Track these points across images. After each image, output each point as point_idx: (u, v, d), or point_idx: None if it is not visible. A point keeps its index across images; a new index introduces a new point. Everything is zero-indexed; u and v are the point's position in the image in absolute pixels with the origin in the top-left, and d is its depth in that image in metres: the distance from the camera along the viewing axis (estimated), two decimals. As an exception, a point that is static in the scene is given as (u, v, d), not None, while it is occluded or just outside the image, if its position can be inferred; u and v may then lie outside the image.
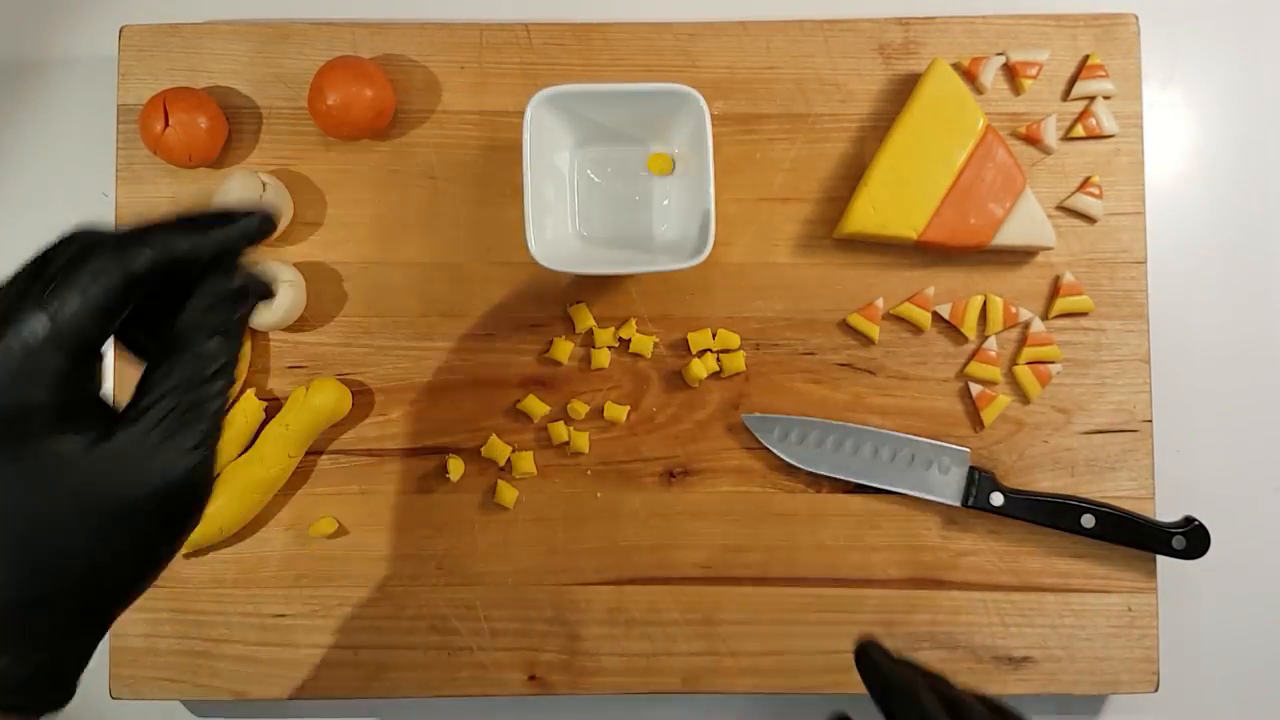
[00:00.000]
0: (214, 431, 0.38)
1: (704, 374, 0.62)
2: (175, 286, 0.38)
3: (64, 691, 0.37)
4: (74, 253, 0.36)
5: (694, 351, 0.63)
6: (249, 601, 0.63)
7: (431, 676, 0.62)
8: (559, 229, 0.61)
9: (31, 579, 0.35)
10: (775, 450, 0.62)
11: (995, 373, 0.63)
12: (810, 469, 0.62)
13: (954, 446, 0.62)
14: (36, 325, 0.34)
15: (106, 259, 0.36)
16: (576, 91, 0.58)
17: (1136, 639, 0.62)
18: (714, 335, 0.63)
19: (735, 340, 0.63)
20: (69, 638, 0.37)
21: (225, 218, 0.38)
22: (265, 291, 0.39)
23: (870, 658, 0.45)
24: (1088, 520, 0.60)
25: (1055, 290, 0.63)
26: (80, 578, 0.36)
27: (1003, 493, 0.61)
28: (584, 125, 0.61)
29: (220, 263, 0.38)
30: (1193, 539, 0.60)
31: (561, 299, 0.63)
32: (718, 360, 0.62)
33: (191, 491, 0.37)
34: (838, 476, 0.62)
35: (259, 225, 0.39)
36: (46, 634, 0.36)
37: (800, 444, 0.62)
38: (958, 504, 0.61)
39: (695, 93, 0.57)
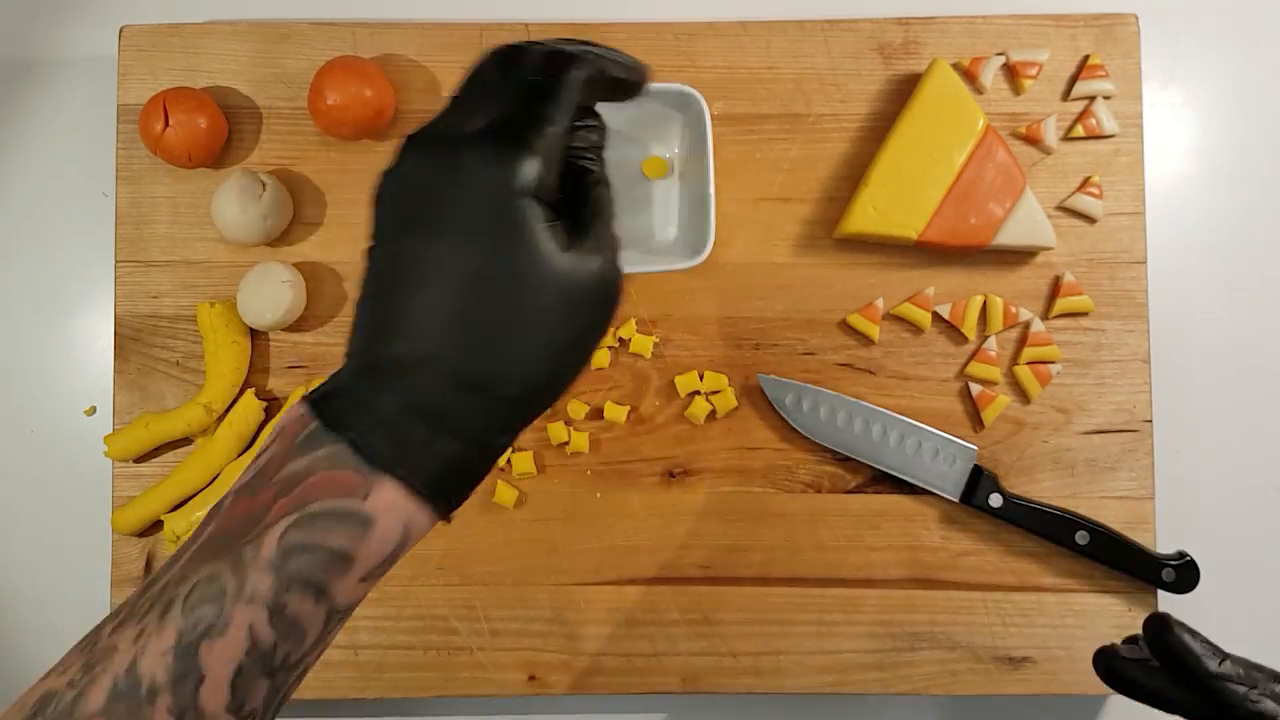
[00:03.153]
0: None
1: (704, 413, 0.62)
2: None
3: (464, 493, 0.40)
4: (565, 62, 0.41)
5: (682, 395, 0.63)
6: (249, 601, 0.63)
7: (431, 676, 0.62)
8: (559, 229, 0.61)
9: (509, 346, 0.39)
10: (785, 416, 0.62)
11: (995, 373, 0.63)
12: (815, 439, 0.62)
13: (963, 442, 0.62)
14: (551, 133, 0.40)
15: (580, 71, 0.41)
16: None
17: (1136, 639, 0.62)
18: (701, 377, 0.63)
19: (723, 380, 0.63)
20: (499, 428, 0.40)
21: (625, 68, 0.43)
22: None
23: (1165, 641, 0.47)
24: (1082, 537, 0.60)
25: (1055, 290, 0.63)
26: (546, 351, 0.39)
27: (1002, 495, 0.61)
28: (584, 125, 0.61)
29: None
30: (1182, 573, 0.61)
31: (561, 299, 0.63)
32: (709, 400, 0.62)
33: (617, 297, 0.42)
34: (839, 451, 0.62)
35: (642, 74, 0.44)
36: (482, 420, 0.39)
37: (811, 413, 0.62)
38: (955, 499, 0.61)
39: (696, 93, 0.57)
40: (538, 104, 0.40)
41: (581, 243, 0.40)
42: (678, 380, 0.63)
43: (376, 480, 0.38)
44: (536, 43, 0.42)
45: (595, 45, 0.43)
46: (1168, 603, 0.62)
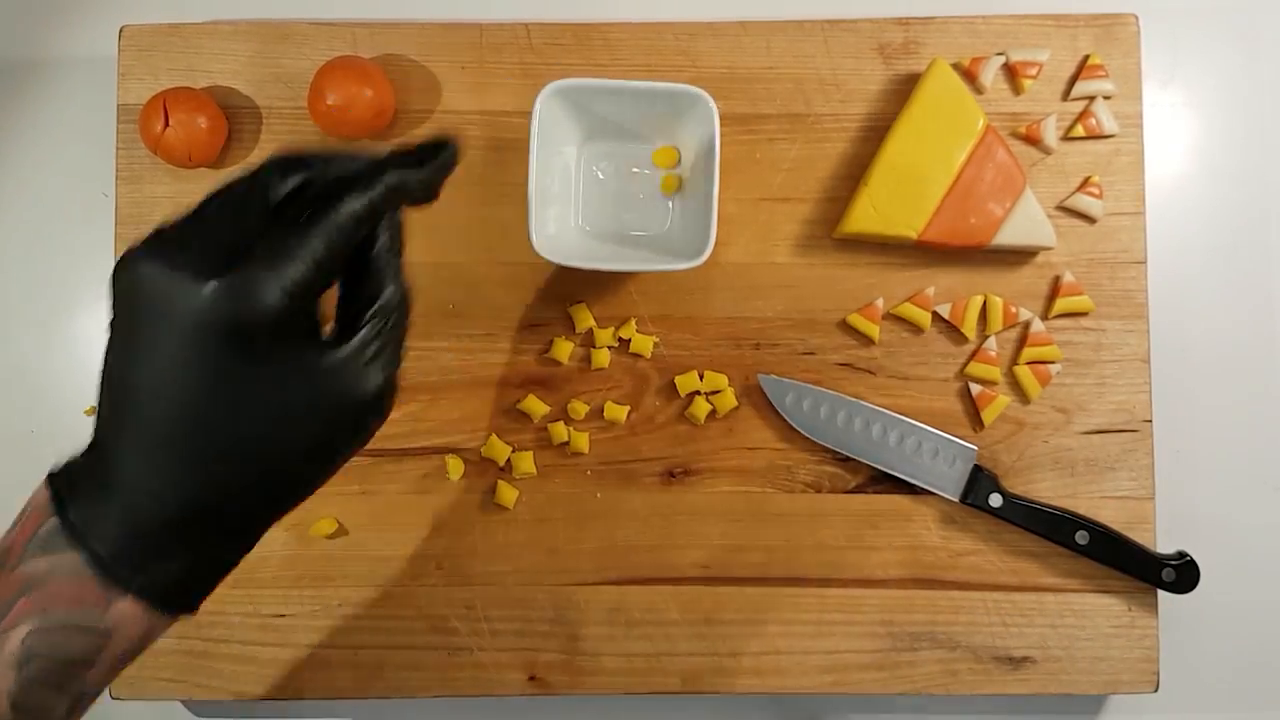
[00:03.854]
0: (401, 356, 0.42)
1: (704, 413, 0.62)
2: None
3: (204, 595, 0.41)
4: (328, 186, 0.40)
5: (682, 395, 0.63)
6: (249, 601, 0.63)
7: (431, 676, 0.62)
8: (561, 222, 0.61)
9: (236, 472, 0.39)
10: (785, 416, 0.62)
11: (995, 373, 0.63)
12: (815, 439, 0.62)
13: (963, 442, 0.62)
14: (302, 255, 0.38)
15: (356, 200, 0.40)
16: (588, 86, 0.58)
17: (1136, 639, 0.62)
18: (701, 377, 0.63)
19: (723, 380, 0.63)
20: (237, 539, 0.41)
21: (433, 148, 0.42)
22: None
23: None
24: (1082, 537, 0.60)
25: (1055, 290, 0.63)
26: (279, 474, 0.40)
27: (1002, 495, 0.61)
28: (592, 120, 0.61)
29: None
30: (1183, 573, 0.61)
31: (562, 299, 0.63)
32: (709, 400, 0.62)
33: (382, 405, 0.42)
34: (839, 451, 0.62)
35: (454, 156, 0.43)
36: (217, 536, 0.40)
37: (811, 413, 0.62)
38: (955, 499, 0.61)
39: (706, 95, 0.57)
40: (292, 241, 0.39)
41: (340, 348, 0.40)
42: (678, 380, 0.63)
43: (116, 595, 0.39)
44: (320, 157, 0.41)
45: (398, 155, 0.42)
46: (1168, 602, 0.62)
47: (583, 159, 0.62)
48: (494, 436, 0.63)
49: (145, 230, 0.64)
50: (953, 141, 0.61)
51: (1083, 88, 0.64)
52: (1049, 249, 0.62)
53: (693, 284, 0.63)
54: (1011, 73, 0.64)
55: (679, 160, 0.62)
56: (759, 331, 0.63)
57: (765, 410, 0.63)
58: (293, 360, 0.39)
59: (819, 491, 0.63)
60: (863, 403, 0.62)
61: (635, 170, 0.63)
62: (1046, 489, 0.63)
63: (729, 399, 0.63)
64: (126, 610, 0.39)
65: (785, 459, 0.63)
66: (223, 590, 0.62)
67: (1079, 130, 0.63)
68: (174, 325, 0.38)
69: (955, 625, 0.62)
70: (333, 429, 0.40)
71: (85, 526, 0.39)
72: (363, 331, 0.41)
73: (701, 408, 0.62)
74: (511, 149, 0.64)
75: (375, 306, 0.41)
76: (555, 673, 0.62)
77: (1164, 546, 0.63)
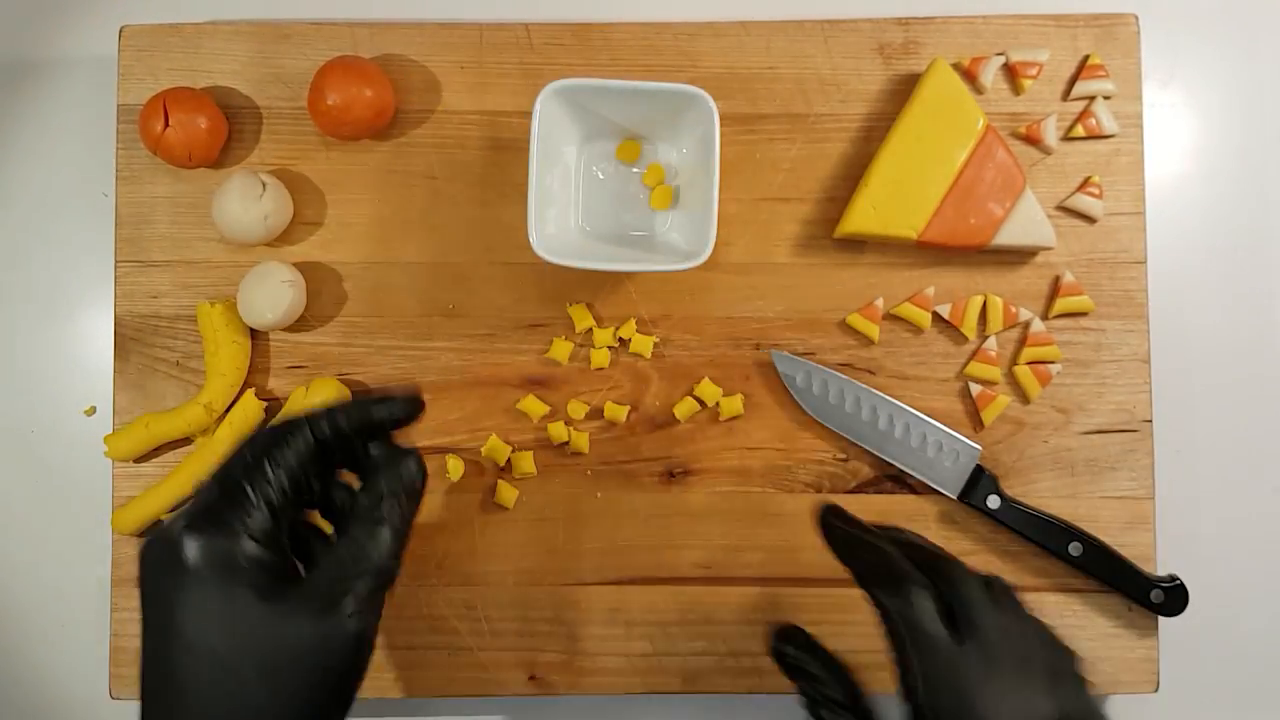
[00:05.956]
0: (373, 604, 0.42)
1: (692, 411, 0.63)
2: (349, 461, 0.46)
3: None
4: (268, 434, 0.44)
5: (680, 419, 0.63)
6: (249, 601, 0.63)
7: (431, 676, 0.62)
8: (561, 222, 0.61)
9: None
10: (795, 396, 0.62)
11: (995, 373, 0.63)
12: (821, 420, 0.62)
13: (967, 440, 0.62)
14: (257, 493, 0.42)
15: (296, 431, 0.43)
16: (588, 86, 0.58)
17: (1136, 639, 0.62)
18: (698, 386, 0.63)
19: (717, 391, 0.63)
20: None
21: (384, 400, 0.46)
22: (417, 489, 0.46)
23: (831, 522, 0.48)
24: (1075, 549, 0.60)
25: (1055, 290, 0.63)
26: None
27: (1001, 498, 0.61)
28: (592, 120, 0.61)
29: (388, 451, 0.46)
30: (1171, 596, 0.61)
31: (561, 299, 0.63)
32: (711, 402, 0.63)
33: (351, 651, 0.41)
34: (843, 435, 0.62)
35: (412, 405, 0.47)
36: None
37: (820, 395, 0.61)
38: (954, 496, 0.61)
39: (706, 95, 0.57)
40: (232, 490, 0.42)
41: (289, 597, 0.40)
42: (676, 409, 0.63)
43: None
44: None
45: (358, 401, 0.46)
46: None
47: (583, 159, 0.62)
48: (494, 436, 0.63)
49: (145, 230, 0.64)
50: (953, 141, 0.61)
51: (1083, 88, 0.64)
52: (1049, 249, 0.62)
53: (693, 284, 0.63)
54: (1011, 73, 0.64)
55: (665, 177, 0.62)
56: (759, 331, 0.63)
57: (765, 410, 0.63)
58: (240, 599, 0.40)
59: (819, 491, 0.63)
60: (873, 390, 0.62)
61: (635, 170, 0.63)
62: (1046, 489, 0.63)
63: (736, 404, 0.63)
64: None
65: (785, 459, 0.63)
66: (223, 590, 0.62)
67: (1079, 130, 0.63)
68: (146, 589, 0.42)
69: (955, 625, 0.62)
70: (289, 679, 0.40)
71: None
72: (319, 582, 0.42)
73: (690, 405, 0.62)
74: (511, 149, 0.64)
75: (338, 559, 0.42)
76: (555, 673, 0.62)
77: (1163, 546, 0.63)
